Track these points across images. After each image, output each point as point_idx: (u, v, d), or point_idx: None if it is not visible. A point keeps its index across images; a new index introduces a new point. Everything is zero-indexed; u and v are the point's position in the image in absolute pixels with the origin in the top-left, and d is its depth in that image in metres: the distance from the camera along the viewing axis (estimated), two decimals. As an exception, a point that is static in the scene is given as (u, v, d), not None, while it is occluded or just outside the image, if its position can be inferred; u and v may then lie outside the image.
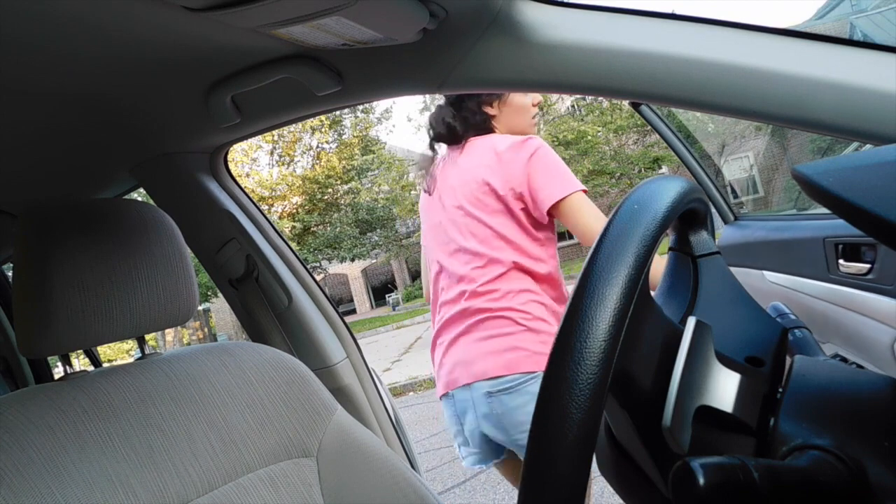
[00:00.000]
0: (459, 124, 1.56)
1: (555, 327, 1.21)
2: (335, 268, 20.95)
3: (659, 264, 0.69)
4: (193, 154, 1.18)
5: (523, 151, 1.44)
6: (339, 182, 15.69)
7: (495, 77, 0.78)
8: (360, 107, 14.64)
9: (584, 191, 1.43)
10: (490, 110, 1.55)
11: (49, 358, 1.68)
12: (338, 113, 12.69)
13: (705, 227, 0.57)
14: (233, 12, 0.62)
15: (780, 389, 0.45)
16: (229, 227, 1.23)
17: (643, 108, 1.71)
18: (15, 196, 1.26)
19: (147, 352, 0.86)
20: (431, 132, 1.63)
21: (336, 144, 15.79)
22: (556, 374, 0.35)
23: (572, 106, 14.90)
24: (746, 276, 1.57)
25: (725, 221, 1.78)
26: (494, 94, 1.53)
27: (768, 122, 0.66)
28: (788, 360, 0.48)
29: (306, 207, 15.56)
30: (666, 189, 0.43)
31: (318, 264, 16.22)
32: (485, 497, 3.52)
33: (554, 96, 12.56)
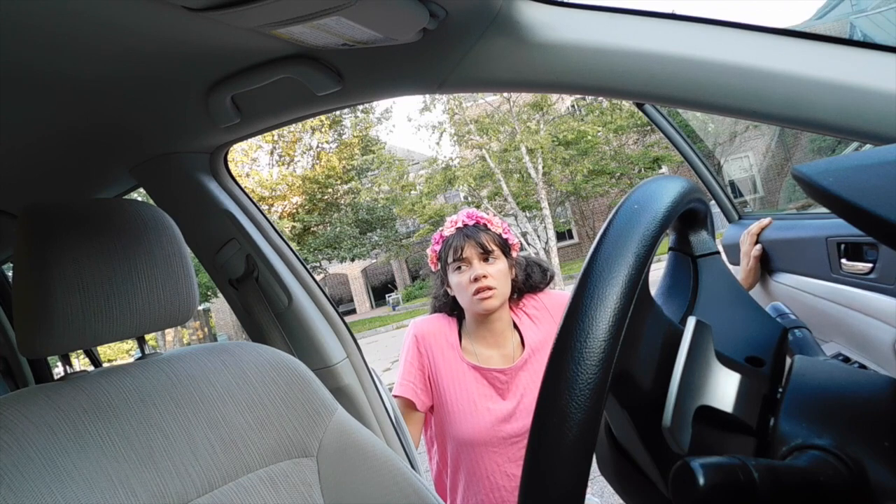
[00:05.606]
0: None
1: None
2: (335, 268, 20.93)
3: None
4: (193, 154, 1.18)
5: None
6: (339, 182, 15.67)
7: (495, 77, 0.78)
8: (360, 107, 14.63)
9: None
10: (450, 290, 1.47)
11: (49, 358, 1.68)
12: (338, 113, 12.68)
13: (705, 227, 0.57)
14: (233, 12, 0.62)
15: (780, 389, 0.45)
16: (229, 227, 1.22)
17: (647, 106, 1.70)
18: (15, 196, 1.26)
19: (147, 352, 0.86)
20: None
21: (336, 144, 15.77)
22: (556, 374, 0.35)
23: (572, 106, 14.89)
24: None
25: (730, 221, 1.77)
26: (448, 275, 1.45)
27: (768, 122, 0.66)
28: (788, 360, 0.48)
29: (306, 207, 15.54)
30: (666, 189, 0.43)
31: (318, 264, 16.20)
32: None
33: (554, 96, 12.54)
